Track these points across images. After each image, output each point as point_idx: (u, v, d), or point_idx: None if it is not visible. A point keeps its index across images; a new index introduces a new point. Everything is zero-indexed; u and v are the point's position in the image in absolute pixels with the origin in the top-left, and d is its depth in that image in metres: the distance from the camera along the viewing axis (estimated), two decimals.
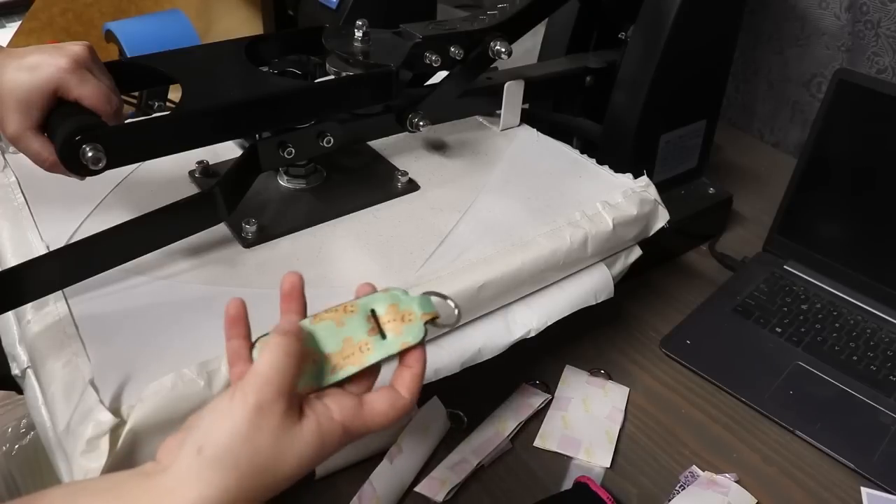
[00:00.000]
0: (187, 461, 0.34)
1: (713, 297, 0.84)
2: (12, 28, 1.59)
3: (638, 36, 0.80)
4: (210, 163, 0.70)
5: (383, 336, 0.41)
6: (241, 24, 1.37)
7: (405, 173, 0.71)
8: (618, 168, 0.76)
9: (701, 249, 0.95)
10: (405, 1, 0.98)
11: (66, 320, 0.51)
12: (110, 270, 0.54)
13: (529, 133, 0.84)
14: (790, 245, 0.88)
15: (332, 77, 0.69)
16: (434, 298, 0.43)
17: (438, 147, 0.79)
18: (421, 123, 0.71)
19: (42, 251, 0.56)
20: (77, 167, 0.50)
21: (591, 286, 0.68)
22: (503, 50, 0.72)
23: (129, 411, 0.45)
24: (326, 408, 0.38)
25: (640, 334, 0.79)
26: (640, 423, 0.69)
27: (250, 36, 0.70)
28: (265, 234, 0.62)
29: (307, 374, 0.39)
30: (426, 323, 0.42)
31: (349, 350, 0.41)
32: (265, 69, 0.70)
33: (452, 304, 0.43)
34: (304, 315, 0.42)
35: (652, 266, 0.86)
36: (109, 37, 1.16)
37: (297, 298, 0.42)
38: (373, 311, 0.42)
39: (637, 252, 0.73)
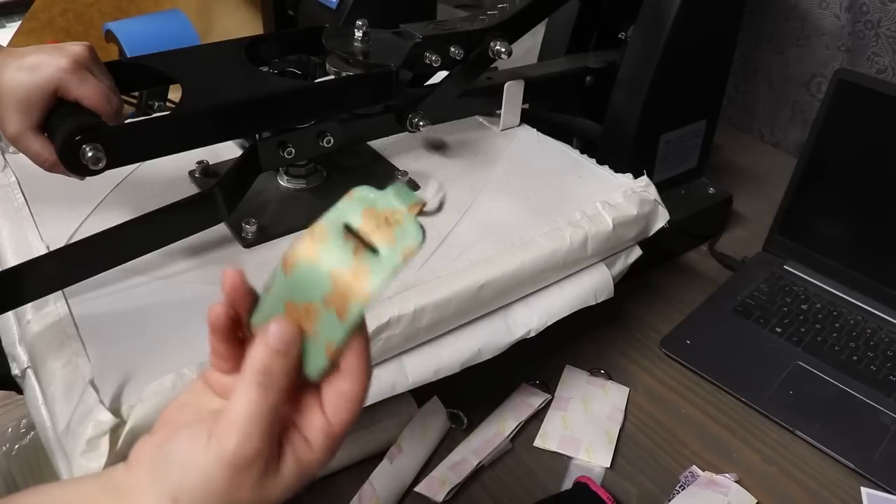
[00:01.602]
0: None
1: (713, 297, 0.84)
2: (12, 28, 1.59)
3: (638, 36, 0.80)
4: (210, 163, 0.70)
5: (374, 251, 0.32)
6: (241, 24, 1.37)
7: (405, 173, 0.71)
8: (618, 168, 0.76)
9: (701, 249, 0.95)
10: (405, 1, 0.98)
11: (66, 320, 0.51)
12: (110, 270, 0.54)
13: (529, 133, 0.84)
14: (790, 245, 0.88)
15: (332, 77, 0.69)
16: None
17: (438, 147, 0.79)
18: (421, 123, 0.71)
19: (42, 251, 0.56)
20: (77, 167, 0.50)
21: (591, 286, 0.68)
22: (503, 50, 0.72)
23: (129, 411, 0.45)
24: (306, 443, 0.33)
25: (640, 334, 0.79)
26: (640, 423, 0.69)
27: (250, 36, 0.70)
28: (265, 234, 0.62)
29: (321, 334, 0.33)
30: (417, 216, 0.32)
31: (343, 286, 0.32)
32: (265, 69, 0.70)
33: (432, 188, 0.35)
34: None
35: (652, 266, 0.86)
36: (109, 37, 1.16)
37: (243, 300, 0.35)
38: (346, 227, 0.32)
39: (637, 252, 0.73)
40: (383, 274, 0.31)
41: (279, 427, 0.33)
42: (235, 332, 0.35)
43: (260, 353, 0.32)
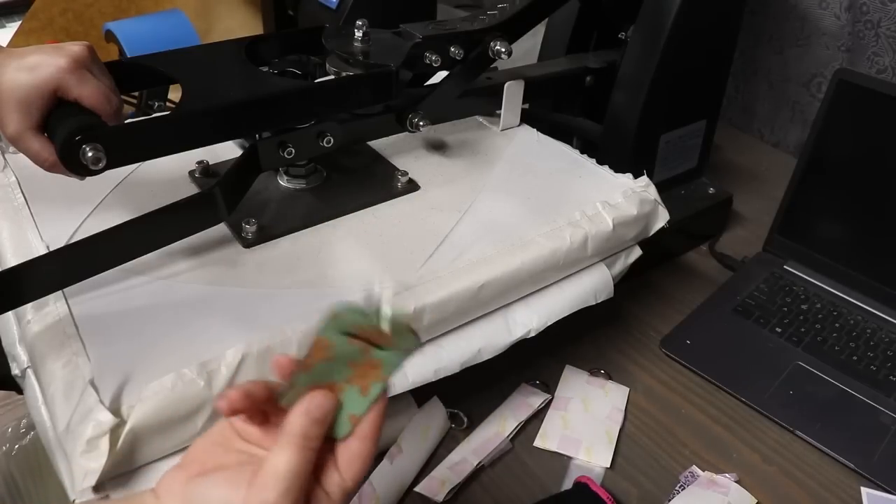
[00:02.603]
0: None
1: (713, 297, 0.84)
2: (12, 28, 1.59)
3: (638, 36, 0.80)
4: (210, 163, 0.70)
5: (380, 347, 0.37)
6: (241, 24, 1.37)
7: (405, 173, 0.71)
8: (618, 168, 0.76)
9: (701, 249, 0.95)
10: (405, 1, 0.98)
11: (66, 320, 0.51)
12: (110, 270, 0.54)
13: (529, 133, 0.84)
14: (790, 245, 0.88)
15: (332, 77, 0.69)
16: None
17: (438, 147, 0.79)
18: (421, 123, 0.71)
19: (42, 251, 0.56)
20: (77, 167, 0.50)
21: (590, 286, 0.68)
22: (503, 50, 0.72)
23: (129, 411, 0.45)
24: (327, 497, 0.37)
25: (640, 334, 0.79)
26: (640, 423, 0.69)
27: (250, 36, 0.70)
28: (265, 234, 0.62)
29: (345, 405, 0.38)
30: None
31: (362, 370, 0.37)
32: (265, 69, 0.70)
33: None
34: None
35: (652, 266, 0.86)
36: (109, 37, 1.16)
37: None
38: (348, 334, 0.37)
39: (637, 252, 0.73)
40: (394, 365, 0.37)
41: (308, 485, 0.36)
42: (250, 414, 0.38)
43: (300, 419, 0.36)
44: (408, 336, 0.37)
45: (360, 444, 0.38)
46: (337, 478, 0.37)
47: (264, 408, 0.38)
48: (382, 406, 0.38)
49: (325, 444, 0.37)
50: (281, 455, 0.35)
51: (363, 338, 0.37)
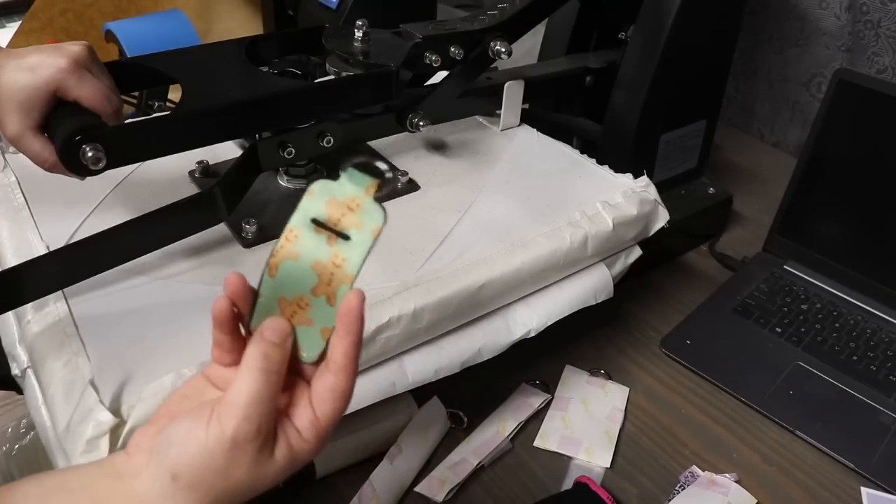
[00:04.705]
0: (160, 484, 0.33)
1: (713, 297, 0.84)
2: (12, 28, 1.59)
3: (638, 36, 0.80)
4: (210, 163, 0.70)
5: (346, 237, 0.35)
6: (241, 24, 1.37)
7: (405, 173, 0.71)
8: (618, 168, 0.76)
9: (701, 249, 0.95)
10: (405, 1, 0.98)
11: (66, 320, 0.51)
12: (110, 270, 0.54)
13: (529, 133, 0.84)
14: (790, 245, 0.88)
15: (332, 77, 0.69)
16: (358, 167, 0.36)
17: (438, 147, 0.79)
18: (421, 123, 0.71)
19: (42, 251, 0.56)
20: (77, 167, 0.50)
21: (590, 286, 0.68)
22: (503, 50, 0.72)
23: (129, 411, 0.45)
24: (297, 433, 0.36)
25: (640, 334, 0.79)
26: (640, 423, 0.69)
27: (250, 36, 0.70)
28: (265, 234, 0.62)
29: (315, 320, 0.36)
30: (376, 197, 0.35)
31: (327, 274, 0.36)
32: (265, 69, 0.70)
33: (382, 165, 0.37)
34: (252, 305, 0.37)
35: (652, 266, 0.86)
36: (109, 37, 1.16)
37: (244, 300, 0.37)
38: (315, 221, 0.36)
39: (637, 252, 0.73)
40: (359, 256, 0.35)
41: (275, 414, 0.35)
42: (237, 325, 0.38)
43: (258, 344, 0.35)
44: (372, 209, 0.35)
45: (334, 377, 0.36)
46: (309, 414, 0.36)
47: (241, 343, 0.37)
48: (354, 336, 0.36)
49: (301, 381, 0.37)
50: (242, 382, 0.34)
51: (331, 224, 0.35)
